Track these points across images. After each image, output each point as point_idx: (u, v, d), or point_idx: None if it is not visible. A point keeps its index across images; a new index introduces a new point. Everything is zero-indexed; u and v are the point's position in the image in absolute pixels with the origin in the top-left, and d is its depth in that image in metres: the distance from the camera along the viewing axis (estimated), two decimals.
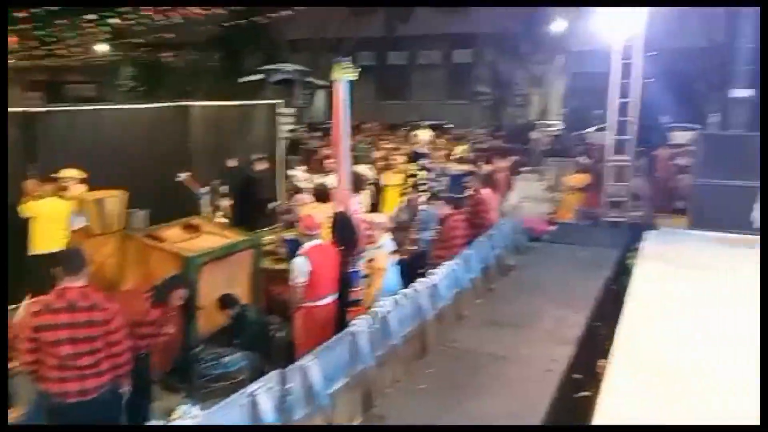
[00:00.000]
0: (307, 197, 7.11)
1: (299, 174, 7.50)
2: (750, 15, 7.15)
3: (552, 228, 8.18)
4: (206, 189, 7.69)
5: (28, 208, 6.33)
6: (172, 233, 5.57)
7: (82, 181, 6.76)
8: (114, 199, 5.94)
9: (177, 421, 3.23)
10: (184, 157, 8.28)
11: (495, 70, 28.87)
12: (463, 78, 31.31)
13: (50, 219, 6.34)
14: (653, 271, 5.65)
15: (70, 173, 6.71)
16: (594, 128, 22.77)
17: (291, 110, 18.58)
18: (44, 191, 6.41)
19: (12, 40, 13.74)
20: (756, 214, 3.28)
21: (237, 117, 9.91)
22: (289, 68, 17.10)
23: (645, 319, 4.50)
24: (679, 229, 7.35)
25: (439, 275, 5.44)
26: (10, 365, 3.94)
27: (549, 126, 20.20)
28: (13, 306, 4.42)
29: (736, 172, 6.17)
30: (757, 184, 3.29)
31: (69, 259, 3.79)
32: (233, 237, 5.68)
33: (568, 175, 10.07)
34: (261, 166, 8.68)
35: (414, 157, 8.06)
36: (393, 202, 8.83)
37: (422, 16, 26.72)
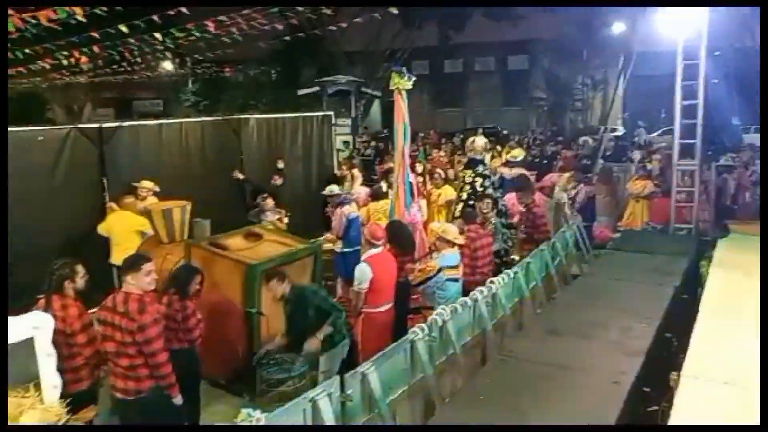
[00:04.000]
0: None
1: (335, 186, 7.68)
2: None
3: (616, 235, 7.92)
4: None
5: (103, 228, 6.69)
6: (235, 241, 5.70)
7: (154, 192, 7.08)
8: (180, 209, 6.16)
9: (241, 425, 3.29)
10: (240, 168, 8.64)
11: (552, 76, 28.38)
12: (519, 84, 30.97)
13: (123, 233, 6.66)
14: (727, 281, 5.37)
15: (146, 184, 7.05)
16: (657, 132, 22.01)
17: (346, 121, 18.83)
18: (128, 203, 6.75)
19: (83, 60, 14.53)
20: None
21: (292, 128, 10.17)
22: (343, 80, 17.34)
23: (720, 330, 4.28)
24: (753, 236, 6.97)
25: (498, 284, 5.36)
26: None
27: (609, 130, 19.60)
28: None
29: None
30: None
31: (123, 265, 3.98)
32: (294, 244, 5.76)
33: (630, 182, 9.73)
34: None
35: (470, 163, 7.93)
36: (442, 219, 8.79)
37: (476, 23, 26.60)
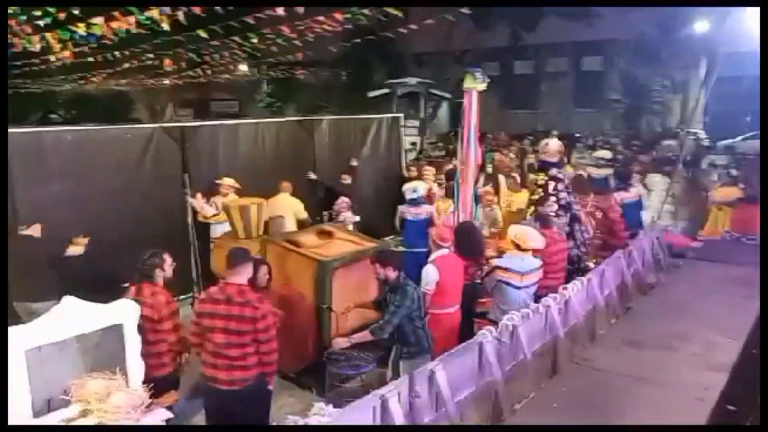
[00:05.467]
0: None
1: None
2: None
3: (697, 244, 7.54)
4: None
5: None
6: (308, 239, 5.83)
7: (236, 190, 7.35)
8: (256, 207, 6.37)
9: (312, 418, 3.36)
10: (313, 168, 8.86)
11: (628, 77, 27.24)
12: (593, 86, 29.99)
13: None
14: None
15: (228, 181, 7.34)
16: (741, 137, 20.74)
17: (415, 122, 18.84)
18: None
19: (167, 63, 15.20)
20: None
21: (362, 130, 10.29)
22: (413, 81, 17.39)
23: None
24: None
25: (571, 291, 5.22)
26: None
27: (690, 134, 18.62)
28: None
29: None
30: None
31: (231, 258, 4.11)
32: (363, 243, 5.83)
33: (714, 189, 9.23)
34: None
35: (542, 165, 7.75)
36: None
37: (549, 23, 25.97)
